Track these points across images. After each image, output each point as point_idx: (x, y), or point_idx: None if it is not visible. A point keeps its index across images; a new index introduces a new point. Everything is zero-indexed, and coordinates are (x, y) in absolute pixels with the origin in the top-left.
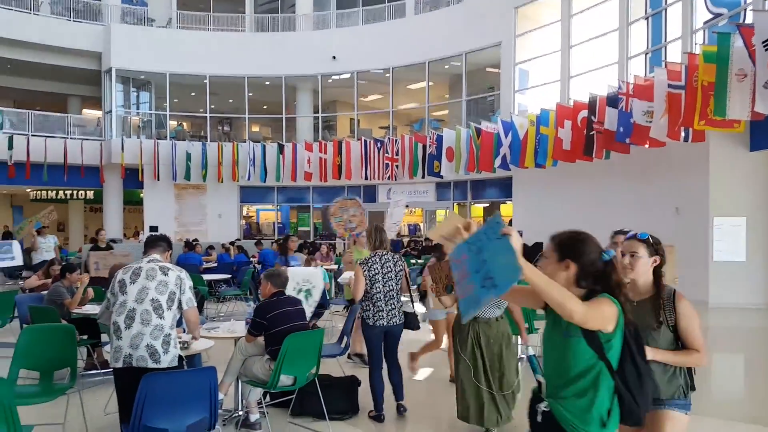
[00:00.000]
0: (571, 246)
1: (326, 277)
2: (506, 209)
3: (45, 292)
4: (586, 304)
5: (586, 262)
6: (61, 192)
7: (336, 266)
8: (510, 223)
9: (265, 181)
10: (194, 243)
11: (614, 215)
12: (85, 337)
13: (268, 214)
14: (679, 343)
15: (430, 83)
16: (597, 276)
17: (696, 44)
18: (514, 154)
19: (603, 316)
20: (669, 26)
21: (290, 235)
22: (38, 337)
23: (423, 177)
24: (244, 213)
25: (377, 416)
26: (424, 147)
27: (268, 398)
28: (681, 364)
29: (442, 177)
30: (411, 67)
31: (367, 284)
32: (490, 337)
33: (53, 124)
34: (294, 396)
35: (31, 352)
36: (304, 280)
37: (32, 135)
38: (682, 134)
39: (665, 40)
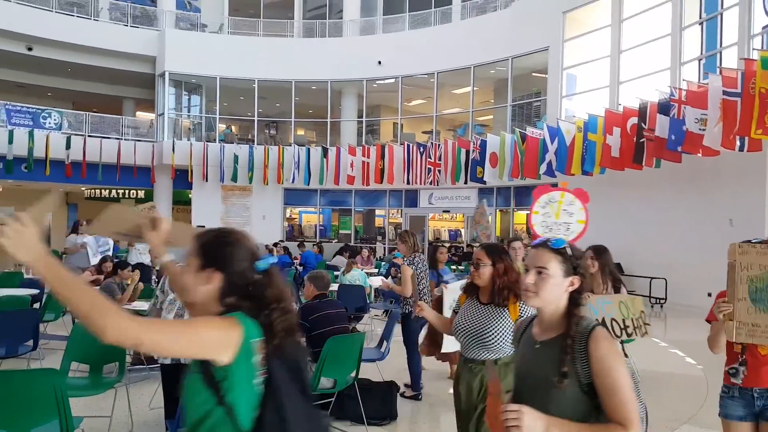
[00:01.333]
0: (216, 250)
1: (365, 281)
2: None
3: (97, 288)
4: (171, 322)
5: (235, 272)
6: (113, 191)
7: (376, 270)
8: None
9: (308, 184)
10: None
11: (664, 226)
12: None
13: (310, 217)
14: (595, 410)
15: (475, 88)
16: (246, 291)
17: (753, 50)
18: (560, 161)
19: (199, 339)
20: (725, 31)
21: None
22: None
23: (465, 182)
24: (287, 215)
25: (416, 395)
26: (468, 152)
27: None
28: None
29: (485, 183)
30: (456, 72)
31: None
32: (472, 387)
33: (108, 126)
34: (333, 399)
35: (82, 346)
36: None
37: (89, 135)
38: (737, 143)
39: (720, 46)
